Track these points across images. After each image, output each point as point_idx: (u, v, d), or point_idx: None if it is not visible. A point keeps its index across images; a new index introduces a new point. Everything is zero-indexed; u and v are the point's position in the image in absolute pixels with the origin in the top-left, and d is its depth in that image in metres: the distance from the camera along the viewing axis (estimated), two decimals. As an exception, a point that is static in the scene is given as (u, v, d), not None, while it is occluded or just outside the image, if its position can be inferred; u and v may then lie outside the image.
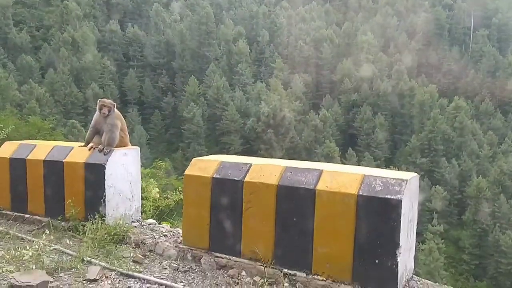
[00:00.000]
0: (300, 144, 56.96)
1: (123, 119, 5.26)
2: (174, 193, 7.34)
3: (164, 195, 7.47)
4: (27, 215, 5.14)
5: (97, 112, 5.13)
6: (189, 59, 66.90)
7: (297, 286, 3.57)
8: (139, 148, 5.25)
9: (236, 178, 3.94)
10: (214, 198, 4.03)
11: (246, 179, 3.90)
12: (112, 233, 4.43)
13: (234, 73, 66.12)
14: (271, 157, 47.54)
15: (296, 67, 69.69)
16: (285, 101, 59.13)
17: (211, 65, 64.45)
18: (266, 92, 62.38)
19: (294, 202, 3.69)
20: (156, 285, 3.71)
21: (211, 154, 4.41)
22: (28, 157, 5.16)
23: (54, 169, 5.01)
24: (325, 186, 3.60)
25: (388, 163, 52.56)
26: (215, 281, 3.73)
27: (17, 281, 3.45)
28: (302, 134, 57.95)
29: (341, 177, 3.62)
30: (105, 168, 4.75)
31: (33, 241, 4.45)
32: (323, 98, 66.37)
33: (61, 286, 3.61)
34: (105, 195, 4.73)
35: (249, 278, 3.72)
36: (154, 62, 67.35)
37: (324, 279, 3.51)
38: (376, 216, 3.39)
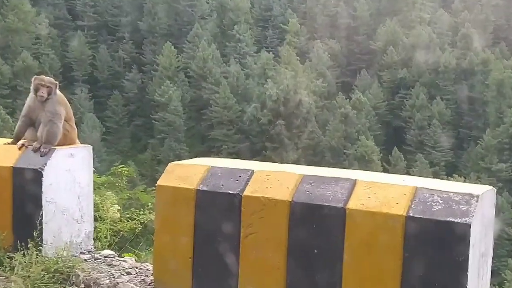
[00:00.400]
0: (324, 142, 57.07)
1: (69, 104, 5.28)
2: (141, 212, 7.36)
3: (127, 215, 7.48)
4: None
5: (31, 95, 5.15)
6: (163, 18, 67.05)
7: None
8: (91, 147, 5.27)
9: (231, 191, 3.95)
10: (200, 220, 4.04)
11: (246, 192, 3.91)
12: (53, 270, 4.45)
13: (228, 38, 66.26)
14: (282, 160, 47.87)
15: (318, 30, 69.75)
16: (302, 79, 59.19)
17: (195, 27, 64.59)
18: (275, 66, 62.51)
19: (315, 227, 3.69)
20: None
21: (194, 156, 4.42)
22: None
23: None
24: (359, 203, 3.60)
25: (450, 170, 52.60)
26: None
27: None
28: (326, 127, 58.07)
29: (382, 191, 3.62)
30: (42, 175, 4.78)
31: None
32: (356, 76, 66.46)
33: None
34: (42, 215, 4.76)
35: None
36: (113, 21, 67.55)
37: (358, 337, 3.52)
38: (433, 248, 3.39)
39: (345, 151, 55.12)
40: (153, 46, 65.12)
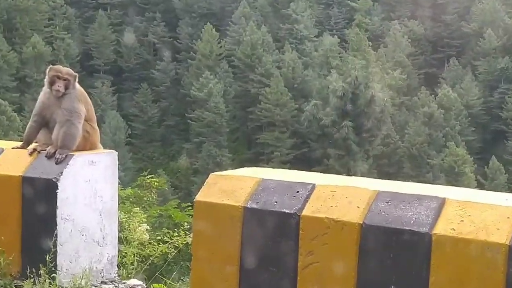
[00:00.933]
0: (402, 149, 56.43)
1: (89, 101, 5.37)
2: (175, 233, 7.42)
3: (158, 237, 7.55)
4: None
5: (45, 89, 5.26)
6: (203, -6, 67.68)
7: None
8: (116, 153, 5.34)
9: (287, 210, 3.96)
10: (248, 245, 4.06)
11: (305, 212, 3.92)
12: (68, 302, 4.53)
13: (282, 19, 66.35)
14: (349, 171, 47.54)
15: (396, 8, 69.10)
16: (375, 69, 58.76)
17: (242, 5, 64.98)
18: (340, 53, 62.25)
19: (392, 256, 3.67)
20: None
21: (238, 165, 4.43)
22: None
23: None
24: (449, 228, 3.56)
25: None
26: None
27: None
28: (405, 130, 57.41)
29: (479, 213, 3.56)
30: (57, 186, 4.86)
31: None
32: (444, 66, 65.48)
33: None
34: (56, 235, 4.85)
35: None
36: (141, -1, 68.58)
37: None
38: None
39: (428, 160, 54.36)
40: (190, 28, 65.85)
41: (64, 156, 4.97)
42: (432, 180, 46.26)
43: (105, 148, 5.64)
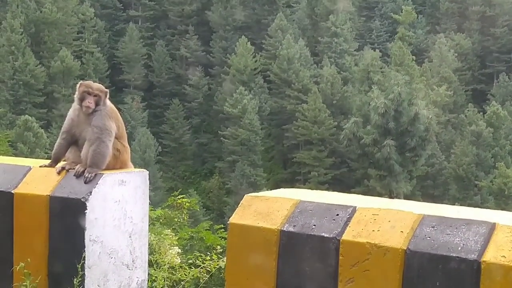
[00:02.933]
0: (448, 170, 55.92)
1: (120, 118, 5.43)
2: (208, 257, 7.44)
3: (189, 260, 7.58)
4: None
5: (74, 106, 5.33)
6: (238, 6, 68.16)
7: None
8: (147, 172, 5.39)
9: (325, 234, 3.95)
10: (284, 270, 4.06)
11: (346, 236, 3.91)
12: (96, 327, 4.56)
13: (321, 32, 66.43)
14: (391, 193, 47.19)
15: (442, 20, 68.77)
16: (419, 85, 58.44)
17: (278, 17, 65.25)
18: (382, 68, 62.02)
19: (439, 285, 3.65)
20: None
21: (273, 185, 4.44)
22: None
23: (-4, 206, 5.24)
24: (499, 255, 3.53)
25: None
26: None
27: None
28: (451, 150, 56.88)
29: (532, 239, 3.52)
30: (86, 206, 4.91)
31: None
32: (493, 81, 64.86)
33: None
34: (84, 257, 4.88)
35: None
36: (174, 11, 69.36)
37: None
38: None
39: (476, 182, 53.76)
40: (224, 42, 66.30)
41: (93, 175, 5.01)
42: (480, 203, 45.76)
43: (135, 166, 5.68)
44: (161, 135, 60.59)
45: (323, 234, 3.96)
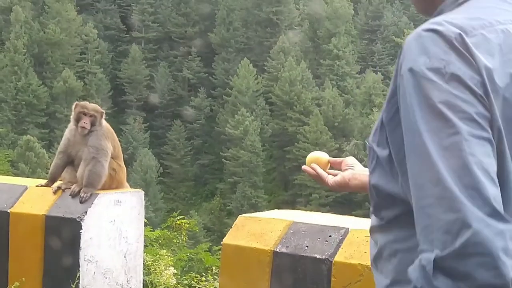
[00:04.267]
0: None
1: (116, 138, 5.47)
2: (203, 278, 7.44)
3: (185, 281, 7.58)
4: None
5: (70, 126, 5.37)
6: (240, 28, 68.47)
7: None
8: (142, 192, 5.41)
9: (318, 256, 3.96)
10: (277, 292, 4.06)
11: (338, 257, 3.92)
12: None
13: (322, 55, 66.64)
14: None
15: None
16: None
17: (280, 40, 65.47)
18: (384, 90, 62.06)
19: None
20: None
21: (275, 207, 4.47)
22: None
23: (-8, 225, 5.27)
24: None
25: None
26: None
27: None
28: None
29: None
30: (81, 226, 4.94)
31: None
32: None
33: None
34: (79, 277, 4.90)
35: None
36: (176, 33, 69.62)
37: None
38: None
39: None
40: (226, 64, 66.47)
41: (88, 195, 5.05)
42: None
43: (135, 187, 5.70)
44: (162, 156, 60.59)
45: (315, 255, 3.96)
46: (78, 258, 4.92)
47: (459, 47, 1.41)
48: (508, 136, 1.40)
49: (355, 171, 2.33)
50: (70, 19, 65.22)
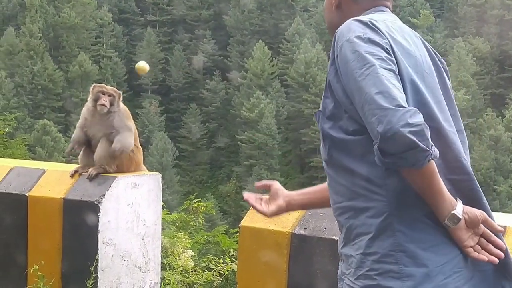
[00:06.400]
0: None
1: (132, 120, 5.45)
2: (221, 261, 7.45)
3: (203, 263, 7.59)
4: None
5: (89, 105, 5.34)
6: (255, 10, 68.23)
7: None
8: (160, 175, 5.41)
9: (336, 237, 3.89)
10: (295, 273, 4.06)
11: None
12: (109, 329, 4.58)
13: (338, 36, 66.30)
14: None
15: (460, 24, 68.51)
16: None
17: (296, 22, 65.24)
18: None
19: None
20: None
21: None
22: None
23: (9, 208, 5.29)
24: None
25: None
26: None
27: None
28: (470, 154, 56.42)
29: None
30: (99, 209, 4.95)
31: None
32: (512, 85, 64.44)
33: None
34: (97, 260, 4.92)
35: None
36: (191, 16, 69.50)
37: None
38: None
39: (495, 187, 53.40)
40: (241, 46, 66.33)
41: (95, 173, 5.04)
42: (499, 208, 45.42)
43: (152, 170, 5.70)
44: (178, 139, 60.68)
45: (333, 237, 3.94)
46: (97, 241, 4.92)
47: (372, 26, 2.24)
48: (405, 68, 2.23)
49: (285, 196, 2.76)
50: (85, 2, 65.30)
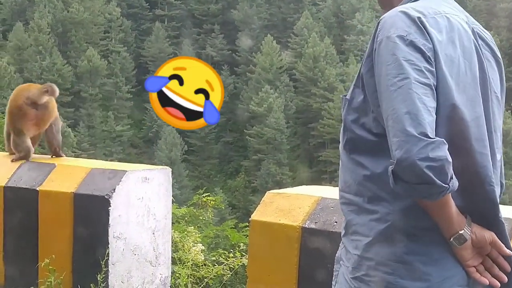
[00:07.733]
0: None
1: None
2: (231, 255, 7.45)
3: (213, 257, 7.60)
4: (-26, 284, 5.48)
5: None
6: (263, 5, 68.22)
7: None
8: (170, 169, 5.42)
9: (347, 231, 3.94)
10: (306, 267, 4.05)
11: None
12: (120, 323, 4.59)
13: (346, 31, 66.19)
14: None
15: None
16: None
17: (304, 16, 65.15)
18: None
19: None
20: None
21: (300, 183, 4.47)
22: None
23: (20, 203, 5.30)
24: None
25: None
26: None
27: None
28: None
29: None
30: (109, 203, 4.96)
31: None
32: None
33: None
34: (108, 254, 4.94)
35: None
36: (200, 10, 69.51)
37: None
38: None
39: (505, 181, 53.24)
40: (249, 41, 66.27)
41: None
42: (509, 202, 45.30)
43: (161, 165, 5.72)
44: (187, 134, 60.69)
45: (344, 231, 3.95)
46: (107, 235, 4.92)
47: (419, 24, 2.07)
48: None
49: None
50: (94, -2, 65.37)
